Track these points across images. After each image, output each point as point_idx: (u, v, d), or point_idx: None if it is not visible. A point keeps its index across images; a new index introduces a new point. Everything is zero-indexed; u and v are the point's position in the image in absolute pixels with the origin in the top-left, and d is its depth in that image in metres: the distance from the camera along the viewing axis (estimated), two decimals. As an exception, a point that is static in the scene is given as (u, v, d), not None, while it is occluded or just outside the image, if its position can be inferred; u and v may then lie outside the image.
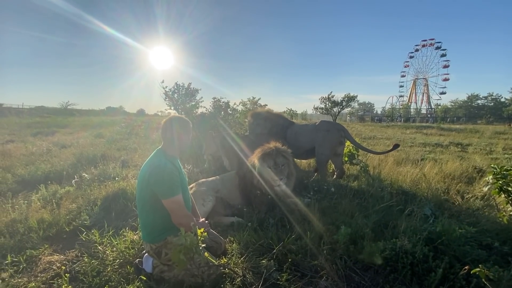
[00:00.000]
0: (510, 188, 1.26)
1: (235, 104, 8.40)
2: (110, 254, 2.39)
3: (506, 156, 8.47)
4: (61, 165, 5.49)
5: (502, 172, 1.30)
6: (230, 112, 8.01)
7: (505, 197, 1.27)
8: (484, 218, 2.73)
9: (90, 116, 32.30)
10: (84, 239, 2.74)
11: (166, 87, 18.27)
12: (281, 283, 1.90)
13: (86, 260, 2.30)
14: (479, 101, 62.75)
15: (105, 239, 2.67)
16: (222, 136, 4.80)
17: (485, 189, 1.27)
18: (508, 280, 1.52)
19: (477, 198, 3.70)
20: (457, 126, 24.13)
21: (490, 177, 1.34)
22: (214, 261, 1.90)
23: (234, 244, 2.42)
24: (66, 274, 2.06)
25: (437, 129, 20.02)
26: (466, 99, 64.45)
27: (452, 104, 66.75)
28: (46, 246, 2.67)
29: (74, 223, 3.10)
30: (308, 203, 3.13)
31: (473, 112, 60.31)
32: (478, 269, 1.42)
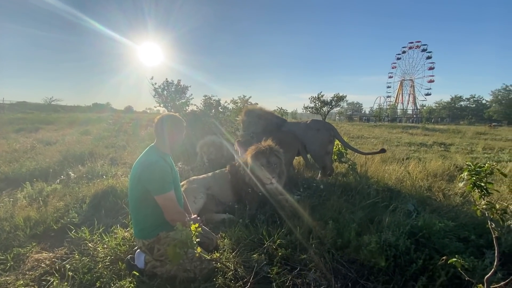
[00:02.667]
0: (483, 184, 1.37)
1: (226, 102, 8.40)
2: (101, 251, 2.38)
3: (486, 155, 8.87)
4: (46, 163, 5.36)
5: (476, 169, 1.41)
6: (221, 110, 8.01)
7: (479, 192, 1.38)
8: (462, 213, 2.90)
9: (75, 113, 31.43)
10: (73, 236, 2.71)
11: (155, 83, 17.88)
12: (271, 276, 1.97)
13: (76, 257, 2.29)
14: (462, 103, 65.08)
15: (95, 236, 2.66)
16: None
17: (461, 185, 1.37)
18: (482, 270, 1.65)
19: (456, 194, 3.90)
20: (441, 127, 24.96)
21: (465, 173, 1.45)
22: (207, 256, 1.95)
23: (225, 240, 2.46)
24: (57, 274, 2.06)
25: (422, 129, 20.62)
26: (449, 101, 66.67)
27: (437, 105, 68.89)
28: (34, 244, 2.63)
29: (62, 221, 3.06)
30: (298, 199, 3.21)
31: (456, 113, 62.48)
32: (454, 259, 1.53)
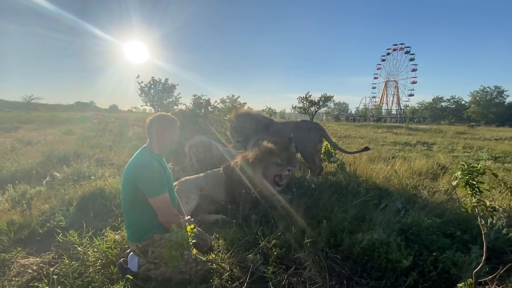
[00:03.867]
0: (474, 182, 1.44)
1: (216, 101, 8.34)
2: (91, 255, 2.32)
3: (466, 154, 9.25)
4: (29, 164, 5.15)
5: (469, 169, 1.48)
6: (211, 109, 7.94)
7: (470, 190, 1.45)
8: (447, 210, 3.02)
9: (57, 112, 30.25)
10: (61, 240, 2.63)
11: (141, 82, 17.40)
12: (267, 275, 1.98)
13: (66, 261, 2.22)
14: (442, 103, 67.55)
15: (85, 240, 2.58)
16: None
17: (454, 183, 1.44)
18: (468, 264, 1.73)
19: (440, 192, 4.06)
20: (423, 126, 25.84)
21: (459, 173, 1.52)
22: (202, 257, 1.94)
23: (220, 241, 2.45)
24: (54, 276, 2.00)
25: (406, 129, 21.27)
26: (431, 101, 69.08)
27: (419, 105, 71.20)
28: (19, 249, 2.53)
29: (48, 224, 2.96)
30: (291, 199, 3.25)
31: (437, 113, 64.80)
32: (444, 255, 1.60)
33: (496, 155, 8.94)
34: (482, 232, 1.45)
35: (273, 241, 2.31)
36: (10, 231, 2.75)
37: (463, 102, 64.27)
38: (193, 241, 1.67)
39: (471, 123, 35.68)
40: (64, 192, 3.75)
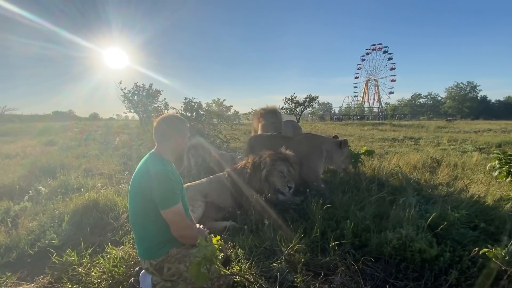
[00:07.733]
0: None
1: (207, 104, 8.13)
2: (95, 275, 2.07)
3: (452, 147, 9.53)
4: (9, 178, 4.73)
5: (507, 157, 1.41)
6: (203, 113, 7.70)
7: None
8: (463, 202, 2.98)
9: (34, 122, 28.66)
10: (56, 261, 2.35)
11: (124, 88, 16.81)
12: (297, 285, 1.82)
13: (68, 285, 1.97)
14: (421, 100, 70.31)
15: (85, 259, 2.32)
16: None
17: (495, 174, 1.36)
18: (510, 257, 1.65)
19: (443, 185, 4.07)
20: (406, 122, 26.66)
21: (496, 162, 1.45)
22: (226, 271, 1.75)
23: (238, 250, 2.27)
24: None
25: (390, 125, 21.85)
26: (410, 98, 71.73)
27: (399, 103, 73.69)
28: (9, 274, 2.23)
29: (39, 243, 2.66)
30: (302, 201, 3.12)
31: (416, 109, 67.32)
32: (486, 249, 1.52)
33: (480, 146, 9.26)
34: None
35: (296, 247, 2.16)
36: (-4, 255, 2.45)
37: (439, 98, 67.16)
38: (221, 254, 1.49)
39: (448, 118, 37.25)
40: (53, 207, 3.42)
